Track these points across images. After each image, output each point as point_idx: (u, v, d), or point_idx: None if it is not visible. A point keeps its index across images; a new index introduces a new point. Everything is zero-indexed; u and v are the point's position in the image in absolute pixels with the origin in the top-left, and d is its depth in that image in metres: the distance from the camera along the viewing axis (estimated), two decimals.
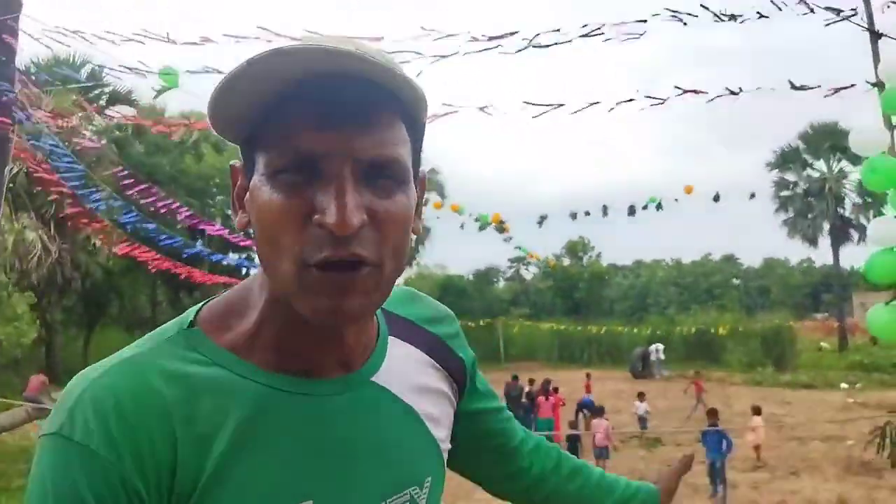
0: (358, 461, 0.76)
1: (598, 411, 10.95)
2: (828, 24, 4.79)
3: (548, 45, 5.26)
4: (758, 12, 4.93)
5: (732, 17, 4.99)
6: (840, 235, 30.20)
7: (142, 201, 10.26)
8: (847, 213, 30.27)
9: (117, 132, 20.72)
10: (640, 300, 50.59)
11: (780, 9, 4.76)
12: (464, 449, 0.94)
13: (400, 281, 0.82)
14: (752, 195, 15.00)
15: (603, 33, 5.15)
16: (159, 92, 8.88)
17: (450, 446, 0.90)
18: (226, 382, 0.71)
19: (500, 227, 17.49)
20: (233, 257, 16.73)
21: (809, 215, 30.64)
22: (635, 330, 28.40)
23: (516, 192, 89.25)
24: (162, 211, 10.48)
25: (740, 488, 9.06)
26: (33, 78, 8.47)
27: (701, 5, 4.87)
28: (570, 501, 1.08)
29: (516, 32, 5.29)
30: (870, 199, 27.15)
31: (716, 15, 4.89)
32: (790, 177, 31.10)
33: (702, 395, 14.73)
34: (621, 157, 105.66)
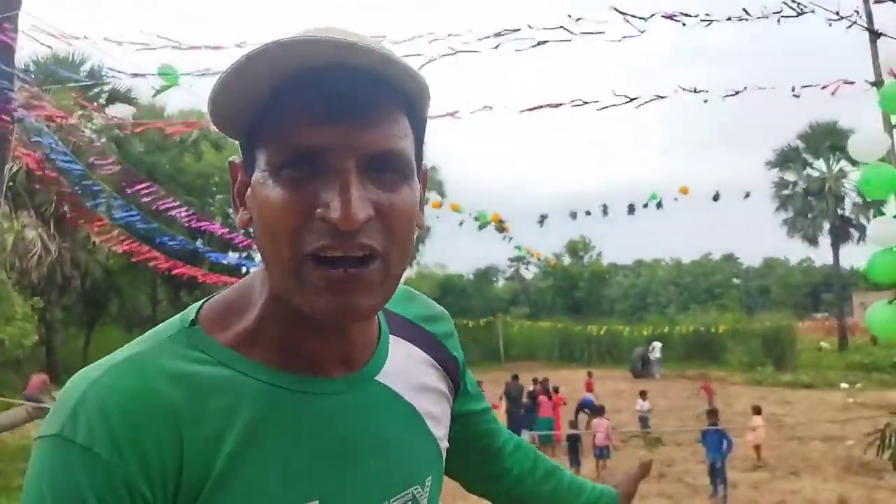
0: (362, 461, 0.76)
1: (598, 411, 10.95)
2: (830, 24, 4.78)
3: (545, 42, 5.26)
4: (756, 12, 4.93)
5: (731, 18, 4.99)
6: (840, 235, 30.24)
7: (142, 200, 10.25)
8: (847, 213, 30.30)
9: (117, 130, 20.71)
10: (640, 299, 50.64)
11: (780, 13, 4.76)
12: (451, 449, 0.94)
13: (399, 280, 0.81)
14: (747, 194, 15.00)
15: (603, 32, 5.15)
16: (159, 91, 8.87)
17: (448, 445, 0.90)
18: (231, 382, 0.70)
19: (500, 227, 17.45)
20: (233, 256, 16.72)
21: (809, 215, 30.68)
22: (636, 330, 28.38)
23: (516, 192, 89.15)
24: (162, 209, 10.47)
25: (740, 488, 9.05)
26: (32, 76, 8.47)
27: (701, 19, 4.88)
28: (545, 502, 1.10)
29: (517, 30, 5.29)
30: (870, 199, 27.11)
31: (729, 17, 4.90)
32: (790, 176, 31.12)
33: (713, 399, 14.52)
34: (621, 156, 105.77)
